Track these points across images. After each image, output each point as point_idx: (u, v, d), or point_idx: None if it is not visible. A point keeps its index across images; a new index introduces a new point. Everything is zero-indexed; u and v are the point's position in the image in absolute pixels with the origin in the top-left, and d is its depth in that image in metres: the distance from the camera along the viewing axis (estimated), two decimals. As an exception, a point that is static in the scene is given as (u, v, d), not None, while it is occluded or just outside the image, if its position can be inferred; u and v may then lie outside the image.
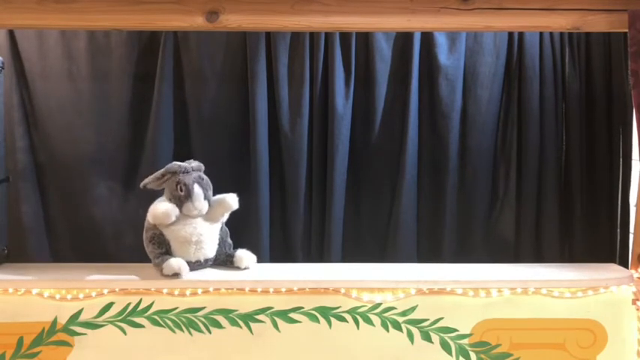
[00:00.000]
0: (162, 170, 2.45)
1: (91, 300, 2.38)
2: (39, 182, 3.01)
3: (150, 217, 2.43)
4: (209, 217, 2.49)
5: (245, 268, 2.51)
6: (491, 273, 2.52)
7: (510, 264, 2.70)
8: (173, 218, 2.40)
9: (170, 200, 2.43)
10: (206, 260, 2.49)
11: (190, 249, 2.43)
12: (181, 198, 2.41)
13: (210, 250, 2.49)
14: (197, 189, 2.42)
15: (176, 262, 2.39)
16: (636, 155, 2.96)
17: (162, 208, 2.40)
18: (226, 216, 2.53)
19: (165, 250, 2.44)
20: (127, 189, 3.02)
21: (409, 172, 2.98)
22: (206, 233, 2.47)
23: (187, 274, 2.41)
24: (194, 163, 2.50)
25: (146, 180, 2.45)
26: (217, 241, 2.52)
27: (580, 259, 2.95)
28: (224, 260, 2.54)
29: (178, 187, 2.41)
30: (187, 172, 2.44)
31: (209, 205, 2.47)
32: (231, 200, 2.50)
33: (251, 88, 2.93)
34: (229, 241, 2.58)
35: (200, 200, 2.43)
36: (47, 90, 2.97)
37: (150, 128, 2.97)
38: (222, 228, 2.55)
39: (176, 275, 2.38)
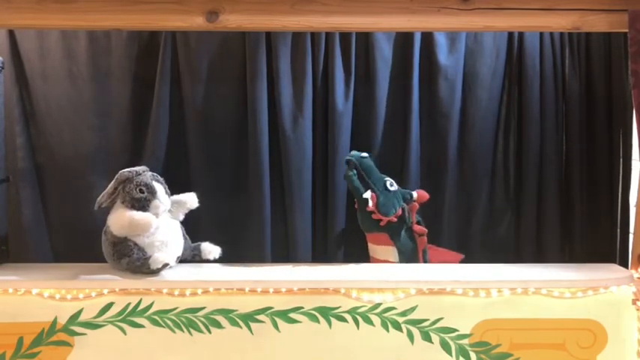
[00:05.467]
0: (113, 183, 2.45)
1: (91, 300, 2.38)
2: (39, 182, 3.01)
3: (125, 229, 2.40)
4: (172, 215, 2.53)
5: (214, 260, 2.55)
6: (491, 273, 2.52)
7: (510, 264, 2.70)
8: (155, 224, 2.40)
9: (132, 207, 2.41)
10: (177, 258, 2.51)
11: (168, 249, 2.44)
12: (145, 199, 2.40)
13: (179, 247, 2.52)
14: (157, 185, 2.45)
15: (162, 255, 2.39)
16: (636, 155, 2.96)
17: (142, 219, 2.38)
18: (183, 215, 2.58)
19: (142, 255, 2.42)
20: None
21: (411, 171, 2.99)
22: (175, 232, 2.50)
23: (173, 263, 2.42)
24: (139, 167, 2.52)
25: (100, 199, 2.45)
26: (182, 238, 2.55)
27: (580, 259, 2.95)
28: (190, 255, 2.57)
29: (138, 189, 2.41)
30: (140, 174, 2.45)
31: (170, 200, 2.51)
32: (192, 199, 2.55)
33: (251, 88, 2.93)
34: (187, 235, 2.61)
35: (164, 195, 2.46)
36: (47, 90, 2.97)
37: (150, 128, 2.96)
38: (180, 226, 2.59)
39: (165, 265, 2.38)
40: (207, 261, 2.58)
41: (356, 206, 2.76)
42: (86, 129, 2.99)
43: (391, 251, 2.70)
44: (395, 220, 2.67)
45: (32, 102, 2.98)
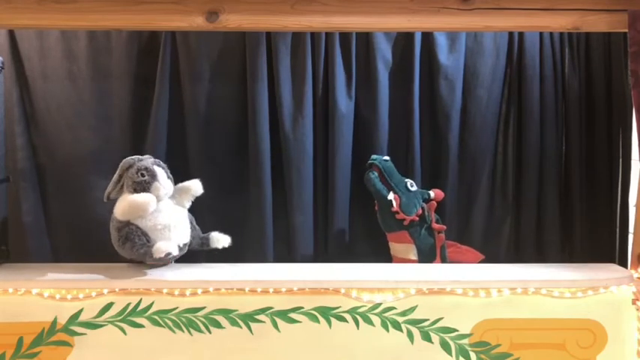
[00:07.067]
0: (118, 171, 2.47)
1: (91, 300, 2.38)
2: (39, 182, 3.01)
3: (126, 212, 2.42)
4: (177, 202, 2.55)
5: (223, 248, 2.58)
6: (491, 273, 2.53)
7: (510, 264, 2.70)
8: (155, 205, 2.41)
9: (134, 192, 2.43)
10: (184, 245, 2.52)
11: (171, 234, 2.45)
12: (146, 182, 2.43)
13: (185, 234, 2.52)
14: (158, 169, 2.47)
15: (164, 243, 2.39)
16: (636, 155, 2.97)
17: (140, 198, 2.40)
18: (189, 203, 2.59)
19: (146, 241, 2.43)
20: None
21: (413, 171, 2.98)
22: (179, 218, 2.51)
23: (177, 252, 2.42)
24: (143, 156, 2.55)
25: (108, 190, 2.48)
26: (189, 226, 2.56)
27: (580, 259, 2.95)
28: (199, 243, 2.59)
29: (139, 173, 2.43)
30: (142, 160, 2.49)
31: (173, 186, 2.53)
32: (197, 186, 2.57)
33: (251, 88, 2.93)
34: (197, 226, 2.63)
35: (165, 178, 2.48)
36: (47, 90, 2.97)
37: (150, 128, 2.96)
38: (188, 214, 2.60)
39: (168, 255, 2.37)
40: (215, 250, 2.59)
41: (376, 208, 2.85)
42: (86, 129, 2.99)
43: (411, 249, 2.80)
44: (417, 218, 2.79)
45: (32, 102, 2.98)
